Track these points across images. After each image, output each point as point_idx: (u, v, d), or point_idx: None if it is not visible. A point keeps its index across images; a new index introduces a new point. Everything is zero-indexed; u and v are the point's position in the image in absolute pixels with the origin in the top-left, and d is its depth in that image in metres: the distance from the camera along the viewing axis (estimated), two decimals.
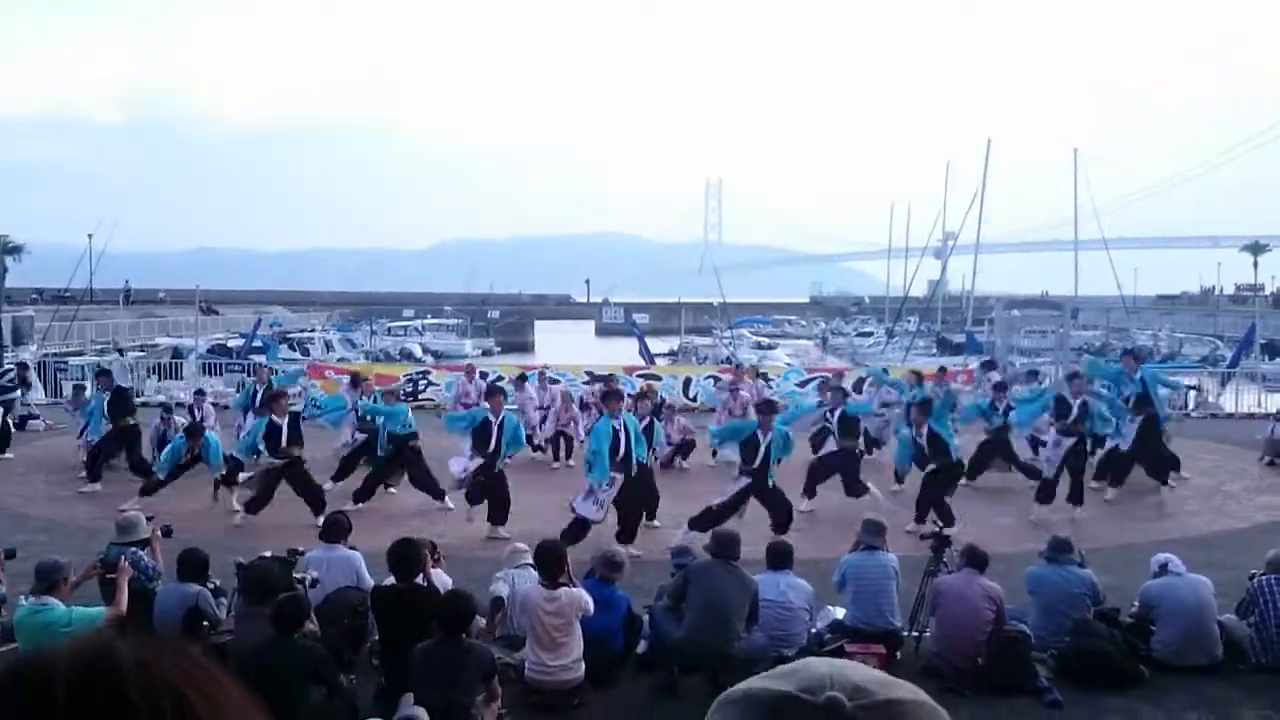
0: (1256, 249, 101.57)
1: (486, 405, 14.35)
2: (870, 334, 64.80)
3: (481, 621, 8.40)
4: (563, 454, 18.74)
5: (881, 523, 9.54)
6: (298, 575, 8.53)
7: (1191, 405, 26.87)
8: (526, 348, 68.10)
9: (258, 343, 36.27)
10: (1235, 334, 44.52)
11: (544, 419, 19.22)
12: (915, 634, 8.90)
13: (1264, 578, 8.93)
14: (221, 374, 29.75)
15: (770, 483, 12.56)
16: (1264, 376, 30.57)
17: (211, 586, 8.80)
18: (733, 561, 8.50)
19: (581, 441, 17.76)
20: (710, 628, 8.09)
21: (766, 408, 13.44)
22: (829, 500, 14.90)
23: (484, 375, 26.57)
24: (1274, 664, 8.51)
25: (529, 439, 15.11)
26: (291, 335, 48.49)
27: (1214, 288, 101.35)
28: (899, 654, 8.76)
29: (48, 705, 0.83)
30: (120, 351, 18.15)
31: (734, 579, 8.34)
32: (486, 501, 13.41)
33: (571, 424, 18.74)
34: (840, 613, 9.25)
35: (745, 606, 8.26)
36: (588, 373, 26.21)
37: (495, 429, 13.52)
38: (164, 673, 0.87)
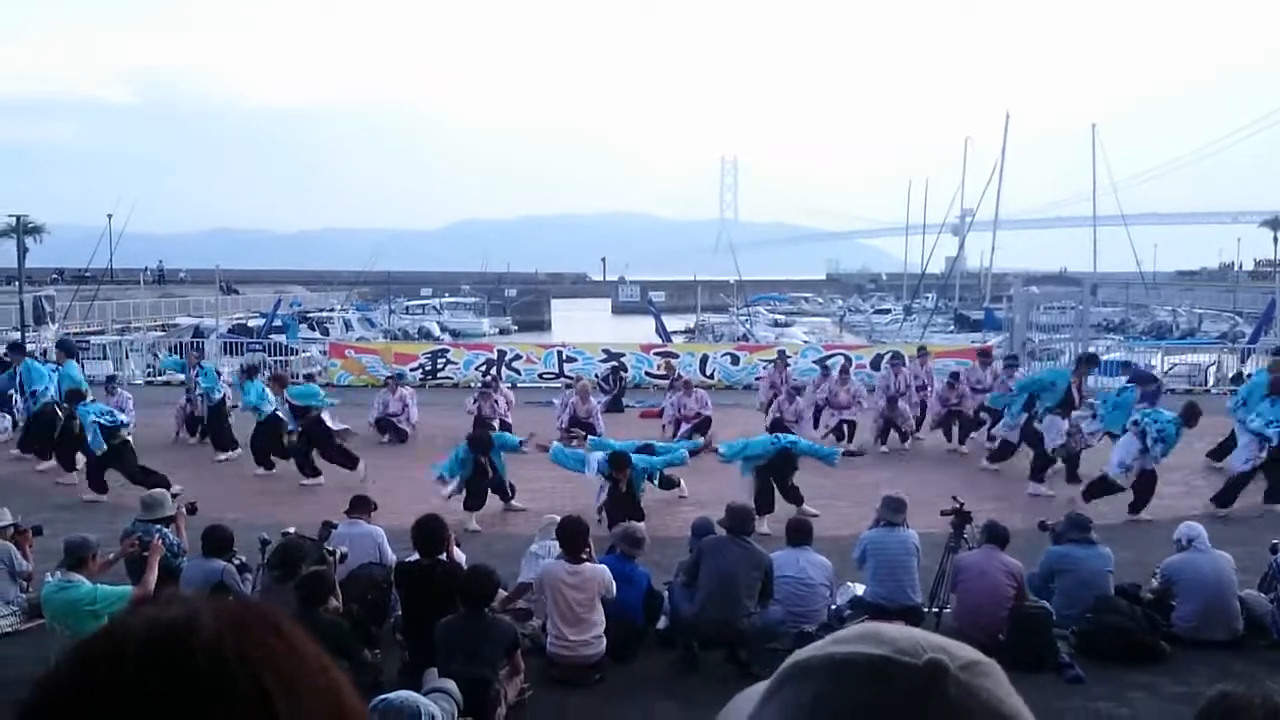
0: (1277, 224, 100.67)
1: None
2: (888, 311, 64.48)
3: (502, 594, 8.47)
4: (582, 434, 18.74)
5: (902, 499, 9.55)
6: (329, 548, 8.62)
7: (1211, 381, 26.73)
8: (543, 326, 68.08)
9: (278, 322, 36.41)
10: (1255, 310, 44.25)
11: (564, 407, 19.21)
12: (936, 610, 8.91)
13: None
14: (242, 353, 29.86)
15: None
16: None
17: (237, 563, 8.88)
18: (745, 537, 8.55)
19: (600, 435, 17.79)
20: (720, 604, 8.14)
21: None
22: (849, 478, 14.91)
23: (501, 354, 26.78)
24: None
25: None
26: (311, 315, 48.58)
27: (1234, 263, 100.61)
28: None
29: (117, 678, 0.82)
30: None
31: (745, 555, 8.38)
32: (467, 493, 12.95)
33: (590, 415, 18.72)
34: (860, 589, 9.27)
35: (757, 582, 8.30)
36: (605, 350, 26.27)
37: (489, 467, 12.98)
38: (242, 650, 0.85)
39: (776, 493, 12.75)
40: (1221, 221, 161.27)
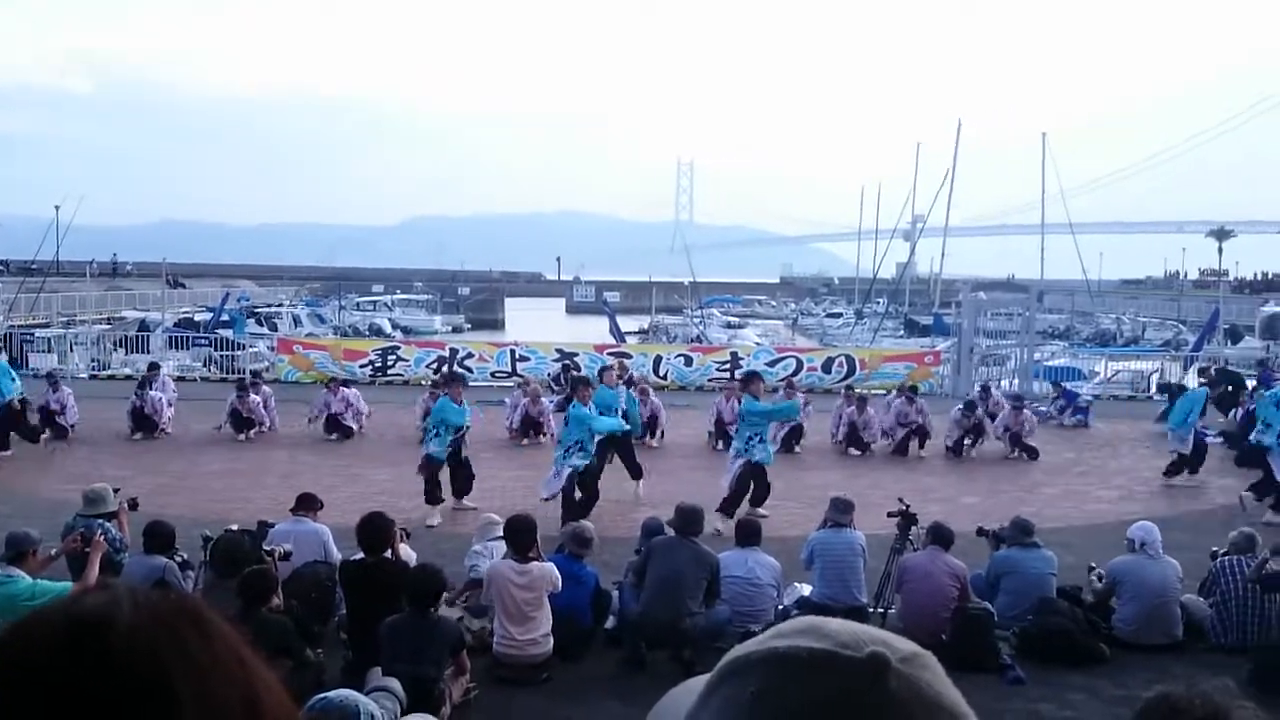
0: (1221, 234, 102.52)
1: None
2: (839, 315, 64.99)
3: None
4: (531, 433, 18.71)
5: (849, 501, 9.64)
6: (268, 548, 8.52)
7: (1153, 388, 27.15)
8: (497, 325, 67.85)
9: (225, 317, 35.98)
10: (1198, 319, 45.00)
11: (514, 407, 19.19)
12: (881, 610, 8.98)
13: (1227, 558, 9.06)
14: (188, 348, 29.52)
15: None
16: (1226, 361, 30.90)
17: (179, 560, 8.77)
18: (693, 537, 8.57)
19: (551, 434, 17.69)
20: (664, 604, 8.17)
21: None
22: (798, 479, 14.99)
23: (453, 352, 26.65)
24: (1233, 644, 8.64)
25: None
26: (259, 310, 48.11)
27: (1178, 273, 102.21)
28: None
29: (32, 665, 0.83)
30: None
31: (691, 555, 8.41)
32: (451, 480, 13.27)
33: (541, 416, 18.70)
34: (807, 589, 9.32)
35: (701, 582, 8.33)
36: (558, 350, 26.21)
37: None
38: (154, 641, 0.85)
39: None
40: (1167, 231, 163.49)
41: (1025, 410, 18.40)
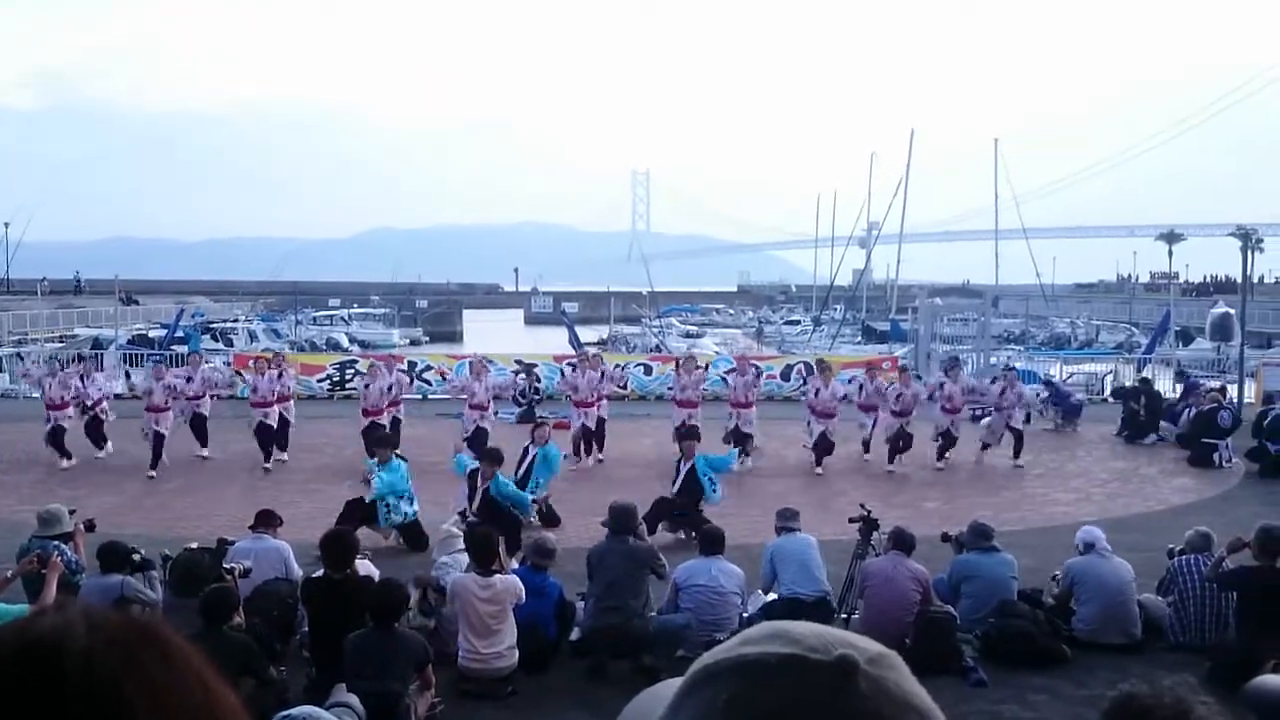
0: (1171, 238, 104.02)
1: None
2: (797, 322, 65.35)
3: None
4: None
5: (794, 510, 9.86)
6: (227, 565, 8.44)
7: (1108, 390, 27.48)
8: (455, 337, 67.62)
9: (180, 333, 35.63)
10: (1150, 321, 45.58)
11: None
12: (844, 616, 9.03)
13: (1183, 557, 9.17)
14: (143, 365, 29.17)
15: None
16: (1178, 363, 31.33)
17: (138, 558, 8.68)
18: (627, 536, 8.63)
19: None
20: (610, 611, 8.25)
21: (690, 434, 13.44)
22: (758, 487, 15.04)
23: (411, 365, 26.51)
24: (1192, 643, 8.75)
25: None
26: (214, 325, 47.67)
27: (1130, 276, 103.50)
28: None
29: None
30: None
31: (625, 555, 8.50)
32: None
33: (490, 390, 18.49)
34: (772, 596, 9.35)
35: (642, 579, 8.42)
36: (517, 361, 26.16)
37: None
38: (112, 665, 0.83)
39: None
40: (1118, 235, 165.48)
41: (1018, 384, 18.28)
